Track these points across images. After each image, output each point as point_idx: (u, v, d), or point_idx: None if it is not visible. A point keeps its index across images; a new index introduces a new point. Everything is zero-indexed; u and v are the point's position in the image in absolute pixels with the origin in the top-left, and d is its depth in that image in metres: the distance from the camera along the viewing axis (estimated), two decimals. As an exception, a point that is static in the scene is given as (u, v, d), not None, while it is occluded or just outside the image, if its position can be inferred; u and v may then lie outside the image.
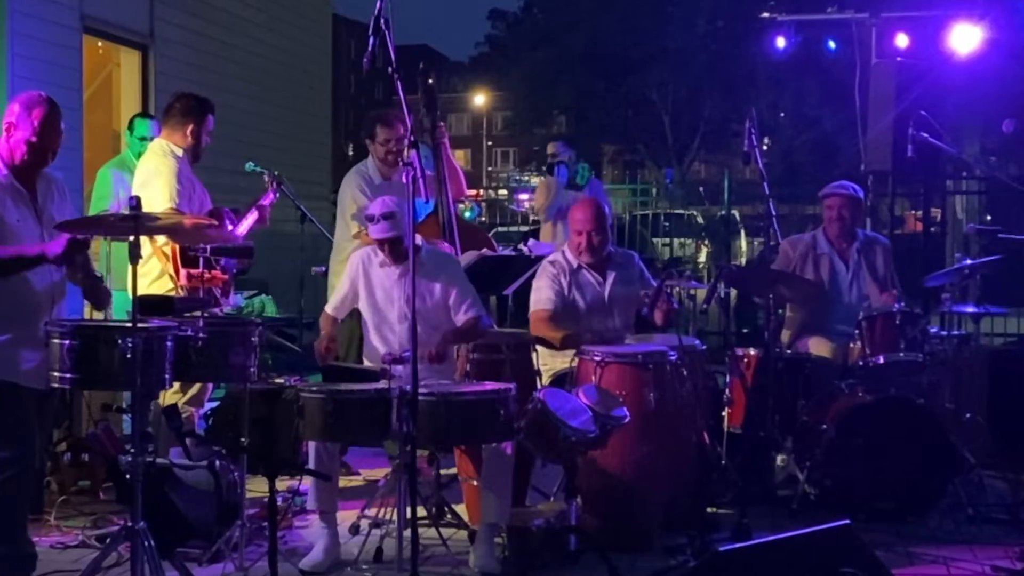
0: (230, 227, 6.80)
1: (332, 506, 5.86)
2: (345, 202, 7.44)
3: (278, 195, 7.34)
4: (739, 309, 12.89)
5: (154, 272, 6.62)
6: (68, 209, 5.33)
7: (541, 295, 6.82)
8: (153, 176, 6.65)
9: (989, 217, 15.13)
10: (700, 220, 21.58)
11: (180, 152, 6.73)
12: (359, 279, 6.45)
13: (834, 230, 7.64)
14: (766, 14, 12.24)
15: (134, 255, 4.70)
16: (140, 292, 6.30)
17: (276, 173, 7.41)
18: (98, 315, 6.23)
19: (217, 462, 5.82)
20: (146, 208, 5.25)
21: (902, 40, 10.57)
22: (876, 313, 7.05)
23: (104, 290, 5.36)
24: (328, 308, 6.64)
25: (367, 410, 5.45)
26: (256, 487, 6.31)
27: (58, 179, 5.32)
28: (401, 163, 5.32)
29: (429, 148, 8.23)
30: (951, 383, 7.37)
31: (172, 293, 6.50)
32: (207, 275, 6.20)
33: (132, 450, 4.82)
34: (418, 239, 6.63)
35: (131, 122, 8.97)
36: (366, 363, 6.43)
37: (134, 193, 6.44)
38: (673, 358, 6.17)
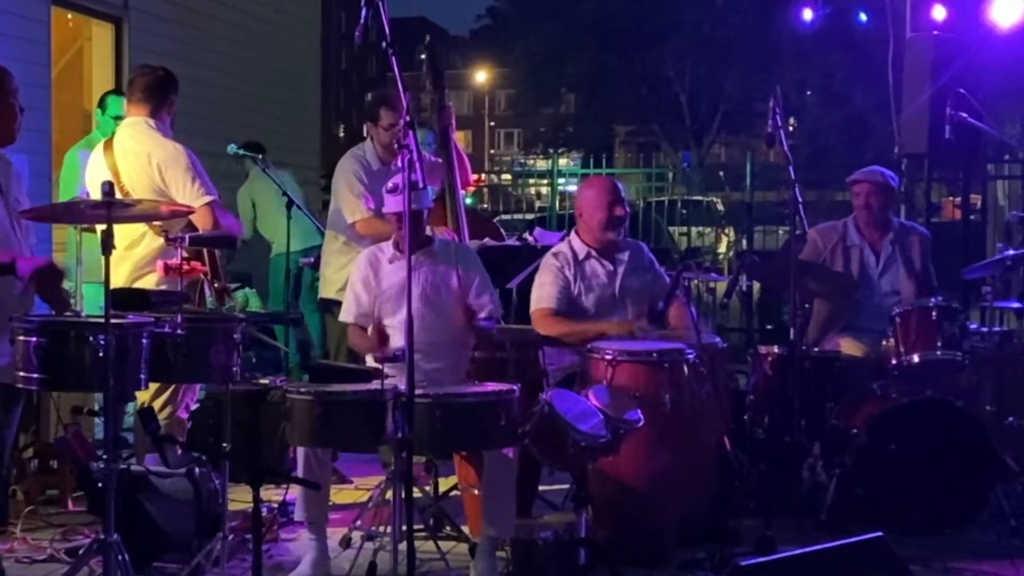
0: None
1: (322, 517, 5.86)
2: (340, 189, 7.42)
3: None
4: (763, 304, 12.90)
5: (145, 258, 6.58)
6: (23, 195, 5.34)
7: (543, 292, 6.80)
8: (171, 168, 6.47)
9: (1033, 204, 15.14)
10: (720, 207, 21.57)
11: (169, 132, 6.68)
12: (370, 280, 6.38)
13: (863, 219, 7.65)
14: (792, -17, 12.23)
15: (106, 245, 4.69)
16: (129, 279, 6.38)
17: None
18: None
19: (197, 469, 5.82)
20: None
21: (939, 12, 10.54)
22: (911, 308, 7.04)
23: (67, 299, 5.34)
24: (348, 318, 6.47)
25: (359, 413, 5.44)
26: (239, 496, 6.31)
27: (12, 163, 5.32)
28: (396, 146, 5.30)
29: (431, 131, 8.22)
30: (992, 384, 7.35)
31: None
32: (185, 266, 6.18)
33: (104, 456, 4.82)
34: (428, 229, 6.63)
35: (102, 100, 8.95)
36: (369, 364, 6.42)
37: (132, 176, 6.42)
38: (691, 357, 6.16)
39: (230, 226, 6.57)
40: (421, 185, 5.57)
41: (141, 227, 6.41)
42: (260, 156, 9.01)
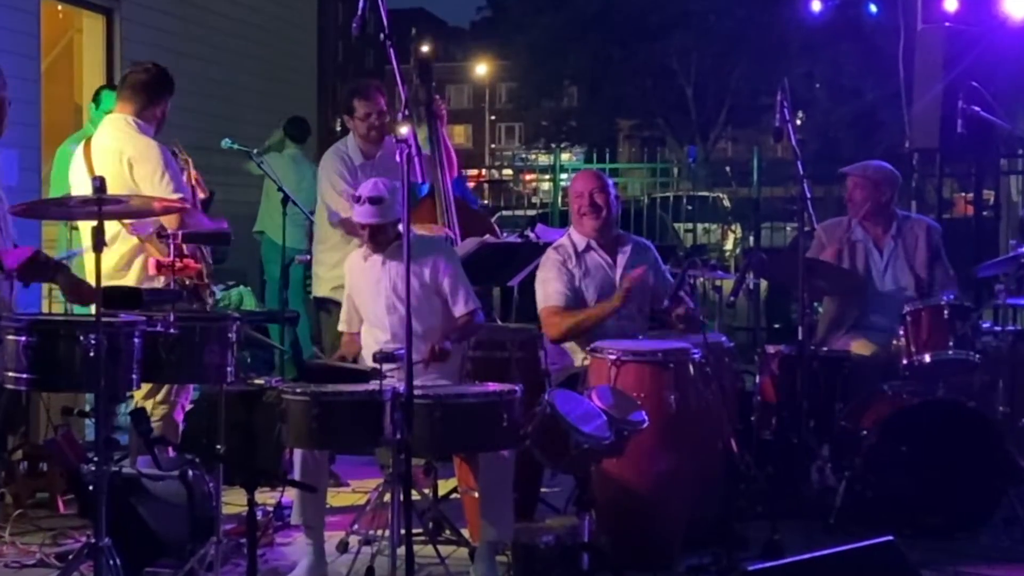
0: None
1: (318, 521, 5.86)
2: (323, 186, 7.44)
3: (191, 164, 7.23)
4: (770, 302, 12.91)
5: (138, 265, 6.56)
6: (3, 191, 5.34)
7: (549, 288, 6.80)
8: (141, 165, 6.49)
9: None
10: (727, 203, 21.55)
11: (151, 130, 6.67)
12: (352, 285, 6.43)
13: (854, 212, 7.66)
14: (800, -27, 12.22)
15: (97, 242, 4.69)
16: (105, 278, 6.36)
17: (175, 141, 7.30)
18: (58, 308, 6.20)
19: (190, 472, 5.82)
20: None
21: (951, 3, 10.54)
22: (921, 307, 7.03)
23: (86, 284, 5.33)
24: (341, 326, 6.60)
25: (357, 414, 5.44)
26: (233, 500, 6.30)
27: None
28: (395, 140, 5.31)
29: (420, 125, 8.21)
30: (1006, 384, 7.34)
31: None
32: (178, 264, 6.19)
33: (95, 458, 4.81)
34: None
35: (97, 94, 8.96)
36: (361, 364, 6.42)
37: (108, 174, 6.40)
38: (697, 356, 6.16)
39: (200, 225, 6.54)
40: (420, 180, 5.59)
41: (115, 226, 6.39)
42: (255, 151, 9.03)
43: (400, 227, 6.47)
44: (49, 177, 9.24)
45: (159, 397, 6.47)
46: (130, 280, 6.46)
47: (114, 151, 6.56)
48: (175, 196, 6.35)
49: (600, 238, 6.91)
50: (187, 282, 6.43)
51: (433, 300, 6.29)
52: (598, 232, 6.88)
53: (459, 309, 6.30)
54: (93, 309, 4.81)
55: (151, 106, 6.68)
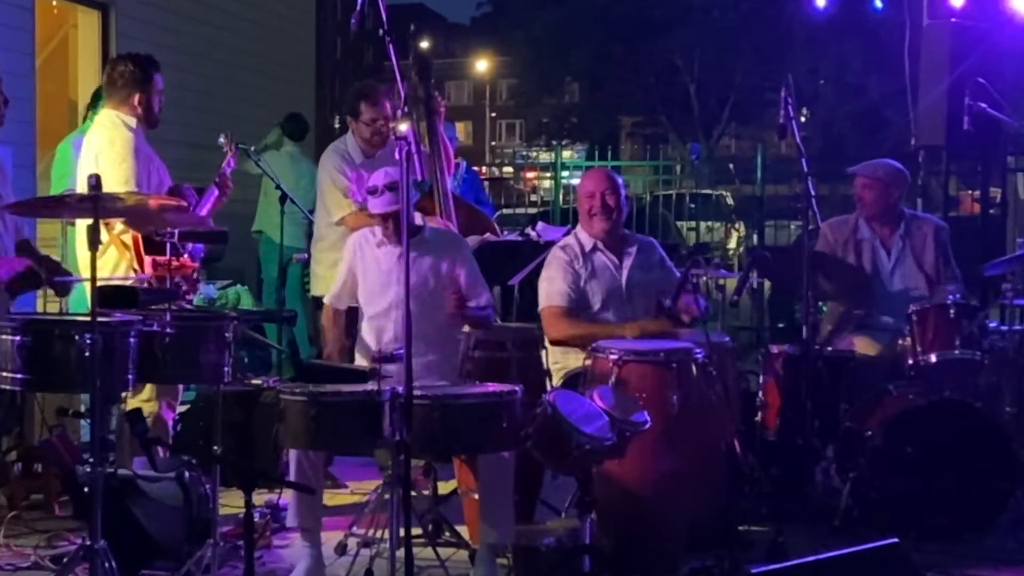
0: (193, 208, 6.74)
1: (316, 523, 5.86)
2: (324, 185, 7.44)
3: (237, 160, 7.28)
4: (774, 301, 12.89)
5: (109, 264, 6.56)
6: (8, 188, 5.33)
7: (553, 287, 6.78)
8: (104, 152, 6.54)
9: (1055, 197, 15.08)
10: (730, 201, 21.55)
11: (133, 123, 6.66)
12: (356, 263, 6.44)
13: (863, 212, 7.65)
14: (804, -32, 12.21)
15: (93, 240, 4.69)
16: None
17: (229, 134, 7.32)
18: (53, 308, 6.19)
19: (186, 473, 5.82)
20: None
21: (957, -1, 10.55)
22: (928, 306, 7.03)
23: (65, 272, 5.33)
24: (327, 299, 6.63)
25: (355, 415, 5.43)
26: (230, 501, 6.30)
27: None
28: (394, 137, 5.30)
29: (452, 125, 8.22)
30: (1013, 384, 7.34)
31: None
32: (175, 263, 6.19)
33: (91, 460, 4.81)
34: (420, 218, 6.65)
35: (96, 95, 8.95)
36: (358, 360, 6.43)
37: (82, 172, 6.40)
38: (700, 356, 6.15)
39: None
40: (420, 178, 5.58)
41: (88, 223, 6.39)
42: (252, 148, 9.03)
43: (418, 216, 6.53)
44: (45, 173, 9.25)
45: (144, 395, 6.46)
46: (104, 270, 6.46)
47: (92, 146, 6.60)
48: (126, 189, 6.34)
49: (608, 239, 6.89)
50: (149, 282, 6.40)
51: (441, 298, 6.30)
52: (607, 234, 6.87)
53: (474, 303, 6.35)
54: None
55: (130, 99, 6.67)
